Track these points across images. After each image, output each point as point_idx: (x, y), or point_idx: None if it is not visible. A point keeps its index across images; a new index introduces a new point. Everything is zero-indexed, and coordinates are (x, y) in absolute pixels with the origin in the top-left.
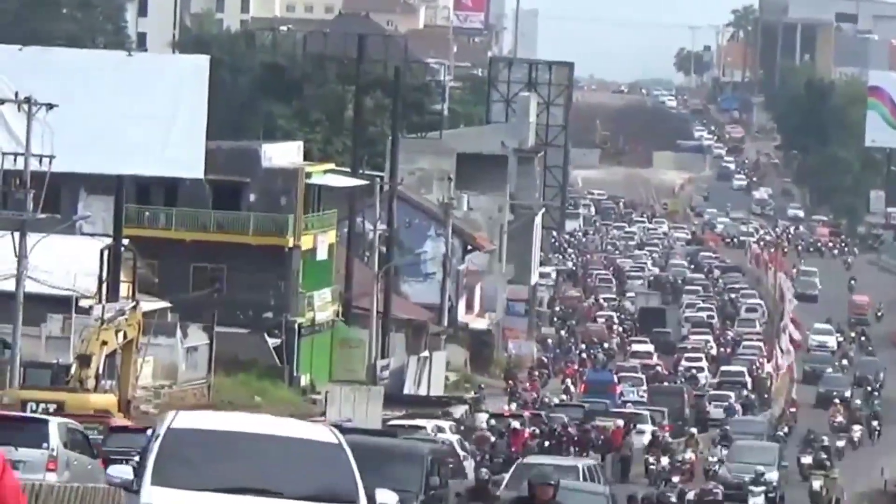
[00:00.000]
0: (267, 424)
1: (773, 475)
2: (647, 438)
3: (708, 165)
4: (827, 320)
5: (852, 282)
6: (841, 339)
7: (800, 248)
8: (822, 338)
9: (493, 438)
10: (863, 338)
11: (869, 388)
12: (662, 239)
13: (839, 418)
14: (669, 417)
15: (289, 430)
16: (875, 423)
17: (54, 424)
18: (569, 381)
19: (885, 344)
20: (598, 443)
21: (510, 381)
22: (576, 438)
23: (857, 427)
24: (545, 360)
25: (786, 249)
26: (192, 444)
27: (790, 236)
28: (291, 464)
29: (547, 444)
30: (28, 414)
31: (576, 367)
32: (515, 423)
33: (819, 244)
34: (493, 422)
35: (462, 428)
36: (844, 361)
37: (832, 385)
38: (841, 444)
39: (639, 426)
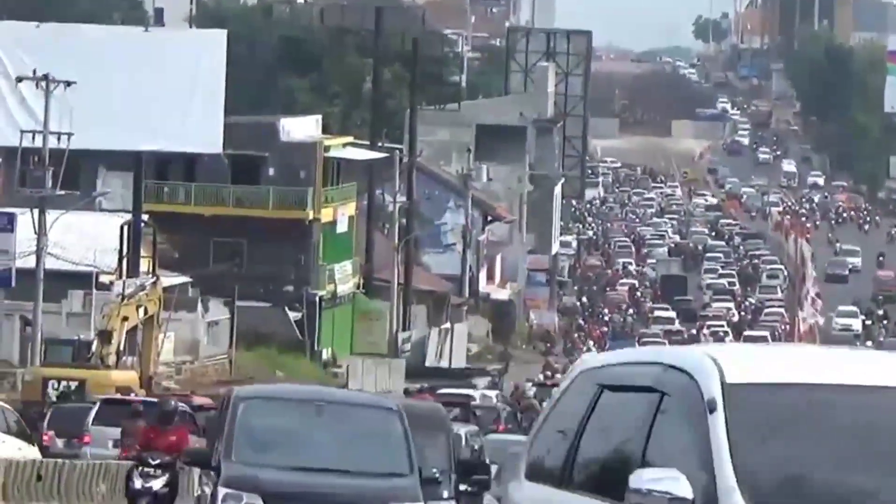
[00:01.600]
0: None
1: None
2: None
3: (727, 133)
4: (854, 302)
5: (881, 258)
6: (867, 321)
7: (819, 220)
8: (845, 321)
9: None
10: (885, 321)
11: None
12: (682, 206)
13: None
14: None
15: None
16: None
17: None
18: (593, 345)
19: None
20: None
21: (548, 345)
22: None
23: None
24: (580, 324)
25: (817, 224)
26: None
27: (815, 206)
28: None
29: None
30: (141, 398)
31: (604, 329)
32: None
33: (840, 211)
34: (534, 390)
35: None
36: (869, 343)
37: None
38: None
39: None
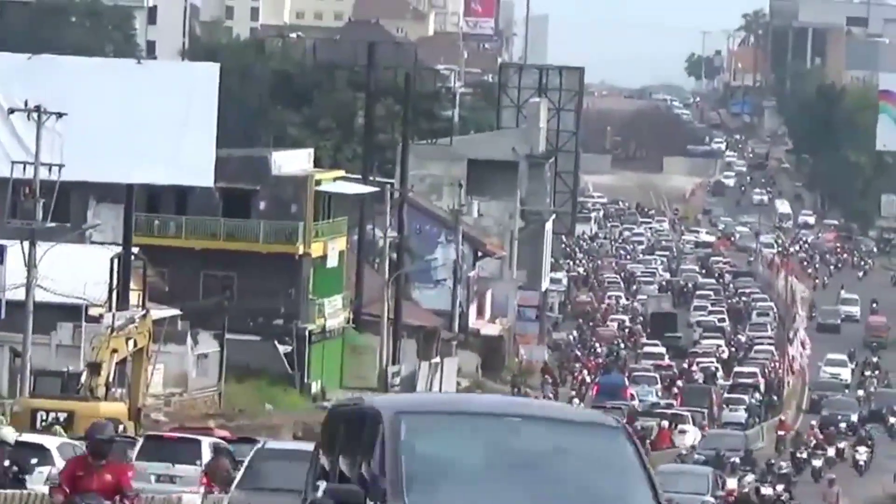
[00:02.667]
0: None
1: None
2: (689, 439)
3: (719, 171)
4: (848, 353)
5: (874, 304)
6: (865, 371)
7: (818, 264)
8: (834, 369)
9: None
10: (877, 370)
11: (888, 423)
12: (672, 242)
13: (813, 442)
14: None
15: None
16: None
17: (206, 443)
18: (586, 373)
19: None
20: (647, 442)
21: (549, 379)
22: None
23: (862, 449)
24: (576, 356)
25: (816, 266)
26: None
27: (808, 247)
28: None
29: None
30: (184, 434)
31: (599, 361)
32: None
33: (838, 253)
34: None
35: None
36: (860, 392)
37: (836, 409)
38: (818, 462)
39: (680, 426)
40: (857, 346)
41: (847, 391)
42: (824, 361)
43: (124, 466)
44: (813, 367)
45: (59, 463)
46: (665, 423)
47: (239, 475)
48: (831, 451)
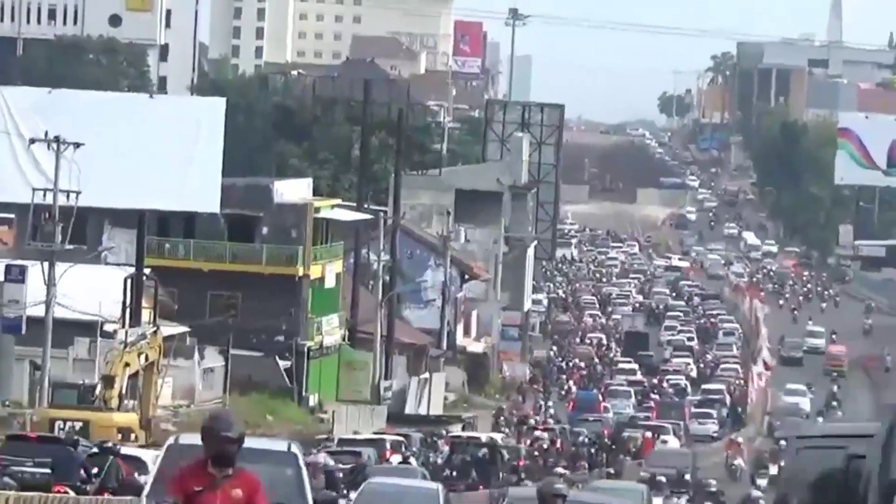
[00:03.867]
0: None
1: None
2: (668, 446)
3: (689, 202)
4: (807, 384)
5: (833, 336)
6: (813, 398)
7: (779, 292)
8: (793, 398)
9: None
10: (834, 401)
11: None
12: (645, 267)
13: (738, 460)
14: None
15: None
16: None
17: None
18: (571, 382)
19: (868, 403)
20: (621, 448)
21: (520, 397)
22: (613, 447)
23: None
24: (559, 368)
25: (787, 296)
26: None
27: (772, 275)
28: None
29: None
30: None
31: (583, 372)
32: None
33: (784, 277)
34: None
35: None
36: (819, 419)
37: (787, 430)
38: (762, 482)
39: (662, 437)
40: (818, 376)
41: (807, 419)
42: (784, 391)
43: (254, 478)
44: (775, 396)
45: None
46: (649, 434)
47: (150, 480)
48: (773, 470)
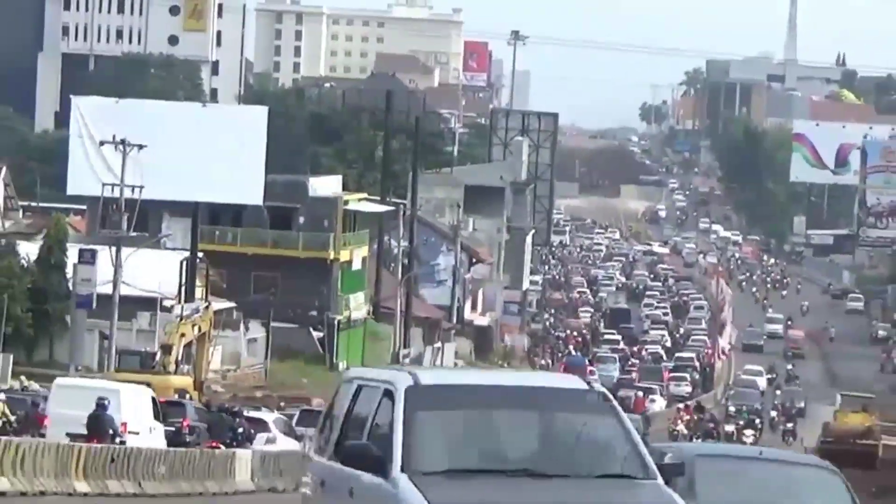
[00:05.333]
0: None
1: None
2: (657, 406)
3: (664, 197)
4: (770, 369)
5: (789, 322)
6: (771, 377)
7: (746, 281)
8: (750, 378)
9: None
10: (797, 378)
11: (791, 424)
12: (626, 253)
13: (680, 425)
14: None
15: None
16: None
17: None
18: (571, 347)
19: (819, 373)
20: (626, 406)
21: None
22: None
23: (748, 432)
24: (555, 337)
25: (755, 287)
26: None
27: (738, 262)
28: None
29: None
30: None
31: (579, 338)
32: None
33: (754, 267)
34: None
35: None
36: (778, 392)
37: (742, 400)
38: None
39: (650, 396)
40: (778, 359)
41: (762, 397)
42: (742, 371)
43: None
44: (738, 367)
45: (275, 433)
46: (640, 394)
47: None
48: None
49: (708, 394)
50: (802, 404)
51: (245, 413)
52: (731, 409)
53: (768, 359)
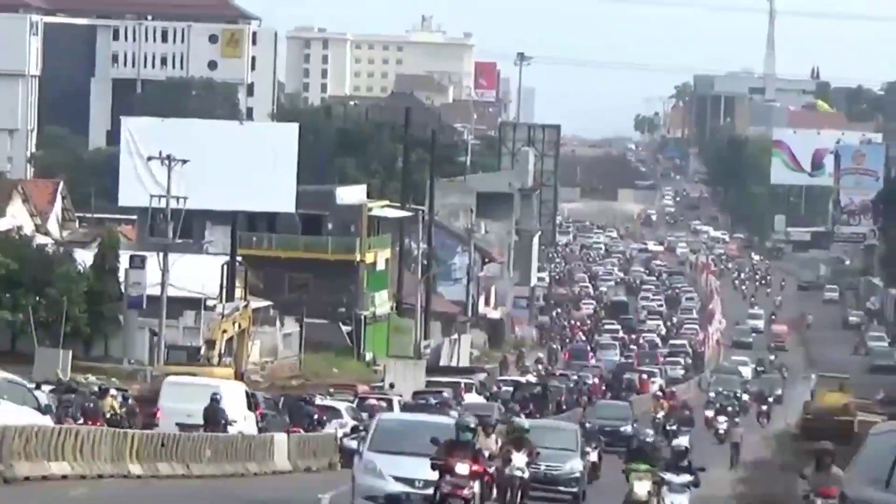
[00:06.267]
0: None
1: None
2: (656, 386)
3: (658, 200)
4: (759, 362)
5: (773, 317)
6: (761, 368)
7: (736, 279)
8: (734, 366)
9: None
10: (784, 368)
11: (765, 407)
12: (623, 251)
13: (660, 413)
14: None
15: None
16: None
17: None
18: (579, 335)
19: (800, 366)
20: (632, 386)
21: (520, 350)
22: (622, 385)
23: (721, 418)
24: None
25: (745, 285)
26: None
27: (725, 259)
28: None
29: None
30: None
31: (583, 328)
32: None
33: (743, 265)
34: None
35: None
36: (755, 380)
37: (722, 386)
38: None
39: (652, 378)
40: (763, 353)
41: (747, 385)
42: (729, 361)
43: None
44: (726, 356)
45: (347, 419)
46: (644, 376)
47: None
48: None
49: (691, 380)
50: (780, 391)
51: (317, 401)
52: (711, 394)
53: (757, 353)
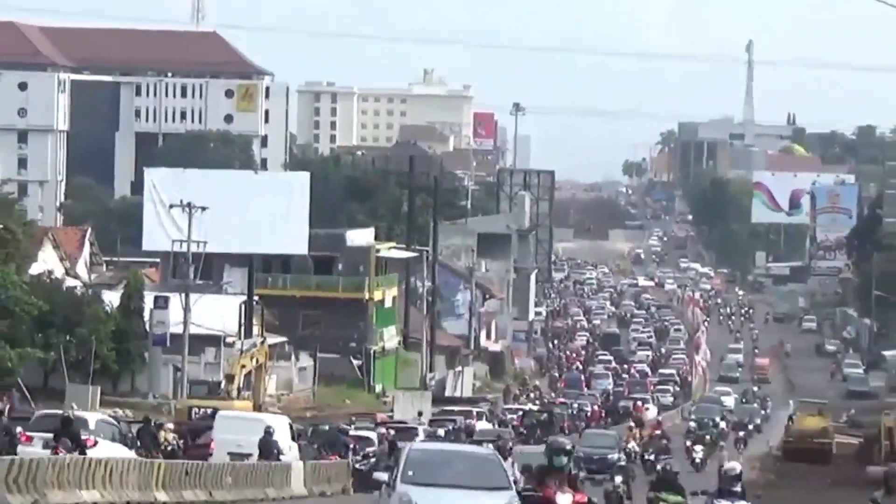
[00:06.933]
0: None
1: None
2: (651, 413)
3: (646, 239)
4: (744, 393)
5: (755, 350)
6: (745, 400)
7: (723, 316)
8: (716, 395)
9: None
10: (767, 398)
11: (742, 433)
12: (614, 286)
13: (632, 443)
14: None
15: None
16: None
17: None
18: (579, 363)
19: (781, 394)
20: (627, 413)
21: (523, 387)
22: (618, 412)
23: (698, 447)
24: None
25: (731, 319)
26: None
27: (714, 294)
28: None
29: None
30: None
31: (581, 360)
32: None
33: (730, 301)
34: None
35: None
36: (751, 405)
37: (703, 414)
38: (658, 457)
39: (646, 405)
40: (748, 383)
41: (731, 414)
42: (713, 391)
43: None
44: (710, 386)
45: (377, 445)
46: (639, 403)
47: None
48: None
49: (678, 408)
50: (758, 420)
51: (351, 431)
52: (692, 424)
53: (743, 387)
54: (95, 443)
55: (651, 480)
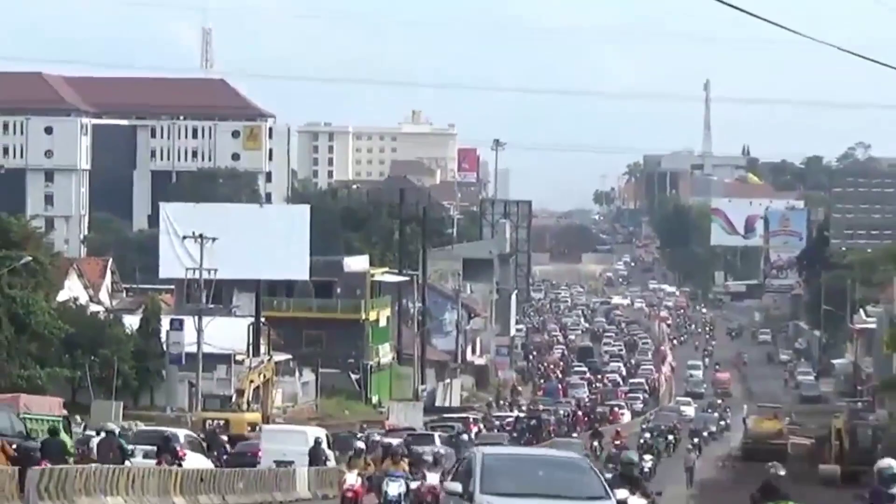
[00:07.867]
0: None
1: None
2: (625, 418)
3: (615, 262)
4: (707, 405)
5: (717, 366)
6: (709, 410)
7: (687, 333)
8: (676, 406)
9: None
10: (727, 409)
11: (697, 440)
12: (586, 305)
13: (596, 441)
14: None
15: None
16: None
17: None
18: (560, 372)
19: (741, 402)
20: (605, 417)
21: (512, 395)
22: (597, 416)
23: (647, 457)
24: (539, 368)
25: (696, 338)
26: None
27: (682, 314)
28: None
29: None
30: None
31: (558, 371)
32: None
33: (698, 319)
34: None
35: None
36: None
37: (658, 421)
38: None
39: (621, 410)
40: (711, 398)
41: (691, 424)
42: (674, 402)
43: None
44: (673, 396)
45: (439, 444)
46: (616, 409)
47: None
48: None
49: (636, 418)
50: (714, 428)
51: (373, 437)
52: (646, 435)
53: (708, 401)
54: (184, 454)
55: (757, 489)
